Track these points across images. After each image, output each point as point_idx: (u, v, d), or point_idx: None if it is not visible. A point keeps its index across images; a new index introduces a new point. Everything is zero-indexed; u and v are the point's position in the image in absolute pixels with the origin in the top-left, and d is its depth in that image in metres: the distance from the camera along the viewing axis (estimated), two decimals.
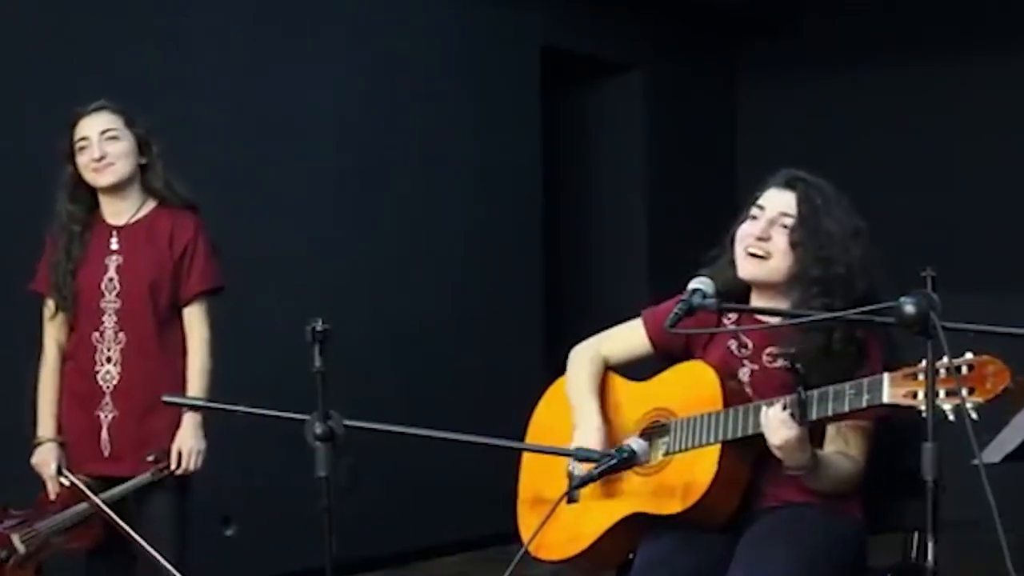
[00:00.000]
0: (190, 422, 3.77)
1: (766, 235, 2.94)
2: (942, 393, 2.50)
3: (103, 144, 3.74)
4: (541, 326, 7.06)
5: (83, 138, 3.76)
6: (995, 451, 2.78)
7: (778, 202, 2.96)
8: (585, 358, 3.19)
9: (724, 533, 2.90)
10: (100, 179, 3.77)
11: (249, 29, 5.77)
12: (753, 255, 2.96)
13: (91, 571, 3.86)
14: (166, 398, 3.11)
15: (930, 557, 2.40)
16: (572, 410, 3.13)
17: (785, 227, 2.94)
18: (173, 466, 3.74)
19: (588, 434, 3.04)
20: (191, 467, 3.75)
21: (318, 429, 2.62)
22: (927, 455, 2.36)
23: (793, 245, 2.92)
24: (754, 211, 2.99)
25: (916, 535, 2.96)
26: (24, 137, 4.96)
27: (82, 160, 3.76)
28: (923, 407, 2.52)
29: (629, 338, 3.18)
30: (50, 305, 3.81)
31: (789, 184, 2.98)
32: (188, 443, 3.76)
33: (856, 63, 7.80)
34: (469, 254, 6.69)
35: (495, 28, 6.86)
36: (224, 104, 5.51)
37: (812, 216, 2.92)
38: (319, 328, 2.65)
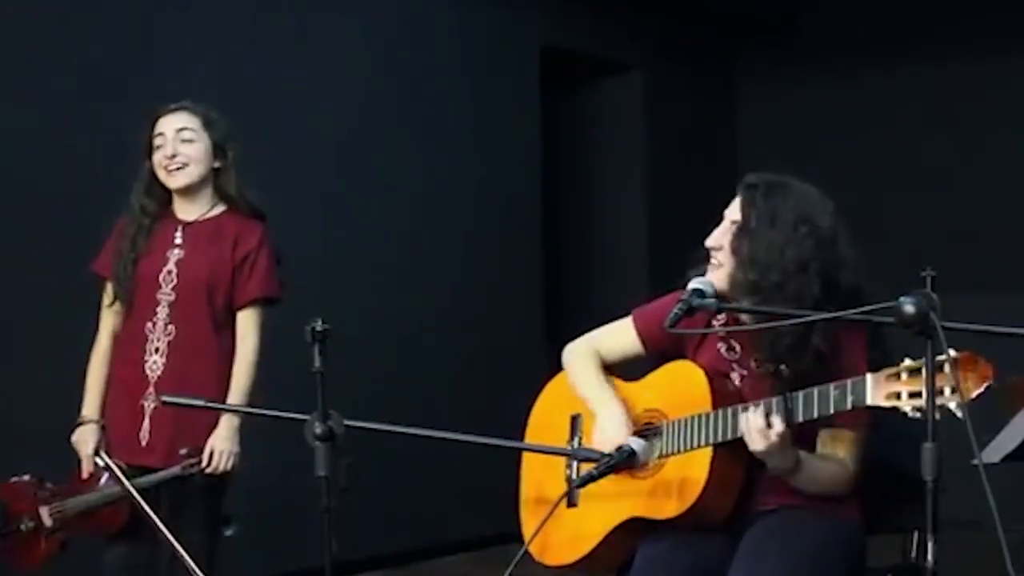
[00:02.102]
0: (226, 423, 3.75)
1: (717, 244, 2.96)
2: (924, 393, 2.49)
3: (176, 143, 3.75)
4: (541, 326, 7.06)
5: (159, 134, 3.78)
6: (995, 451, 2.78)
7: (731, 209, 2.98)
8: (584, 353, 3.20)
9: (723, 533, 2.91)
10: (171, 180, 3.78)
11: (248, 28, 5.77)
12: (712, 261, 2.98)
13: (107, 562, 3.82)
14: (165, 398, 3.11)
15: (930, 557, 2.39)
16: (586, 401, 3.12)
17: (731, 233, 2.95)
18: (204, 464, 3.72)
19: (613, 416, 3.02)
20: (221, 468, 3.73)
21: (318, 429, 2.62)
22: (927, 455, 2.36)
23: (731, 251, 2.93)
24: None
25: (916, 535, 2.96)
26: (25, 138, 4.97)
27: (156, 157, 3.78)
28: (906, 408, 2.55)
29: (621, 338, 3.18)
30: (109, 291, 3.83)
31: (743, 189, 2.97)
32: (221, 444, 3.74)
33: (856, 63, 7.80)
34: (469, 254, 6.69)
35: (495, 28, 6.87)
36: (223, 104, 5.46)
37: (748, 221, 2.91)
38: (319, 328, 2.65)
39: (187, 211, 3.84)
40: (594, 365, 3.17)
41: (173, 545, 3.51)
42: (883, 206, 7.35)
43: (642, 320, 3.13)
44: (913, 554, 2.98)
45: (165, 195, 3.83)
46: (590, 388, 3.13)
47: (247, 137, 5.60)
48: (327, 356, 2.66)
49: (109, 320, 3.85)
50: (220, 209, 3.86)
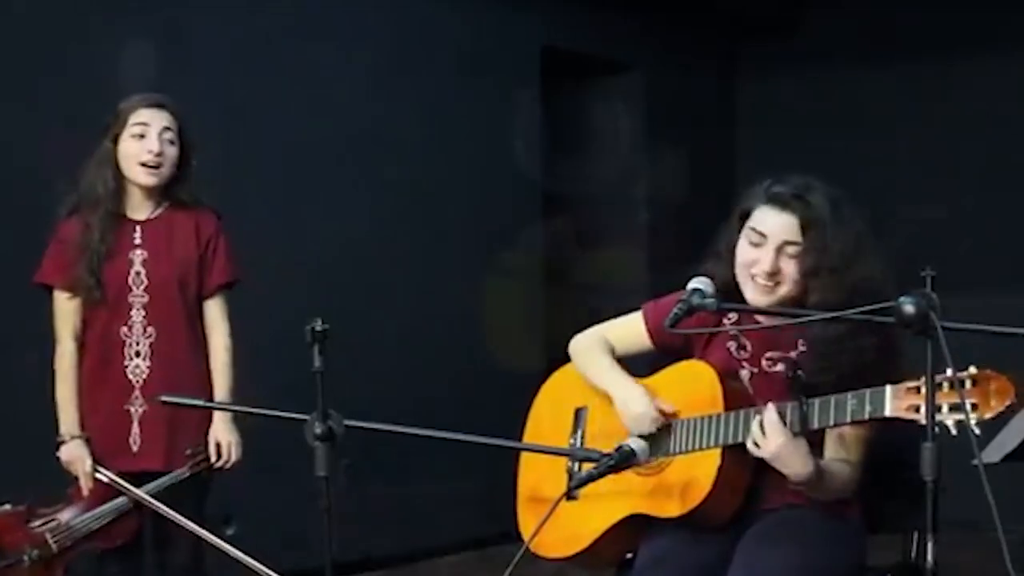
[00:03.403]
0: (222, 415, 3.73)
1: (775, 268, 2.86)
2: (945, 408, 2.47)
3: (163, 142, 3.69)
4: (541, 326, 7.06)
5: (143, 123, 3.68)
6: (995, 451, 2.79)
7: (779, 229, 2.86)
8: (594, 342, 3.17)
9: (725, 532, 2.90)
10: (143, 175, 3.69)
11: (249, 27, 5.77)
12: (764, 285, 2.89)
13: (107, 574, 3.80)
14: (164, 398, 3.10)
15: (930, 557, 2.40)
16: (603, 385, 3.09)
17: (792, 256, 2.85)
18: (212, 459, 3.72)
19: (636, 393, 3.00)
20: (232, 459, 3.74)
21: (318, 429, 2.62)
22: (927, 455, 2.36)
23: (805, 275, 2.85)
24: (755, 238, 2.89)
25: (916, 535, 2.96)
26: (25, 138, 4.96)
27: (131, 147, 3.68)
28: (925, 422, 2.51)
29: (630, 331, 3.15)
30: (60, 297, 3.71)
31: (787, 205, 2.86)
32: (225, 436, 3.73)
33: (856, 62, 7.80)
34: (469, 254, 6.68)
35: (495, 28, 6.87)
36: (224, 102, 5.51)
37: (819, 240, 2.83)
38: (319, 328, 2.65)
39: (140, 209, 3.76)
40: (606, 352, 3.14)
41: (190, 543, 3.54)
42: (883, 206, 7.32)
43: (652, 315, 3.10)
44: (913, 554, 2.98)
45: (120, 180, 3.72)
46: (605, 372, 3.11)
47: (248, 136, 5.64)
48: (327, 356, 2.66)
49: (69, 325, 3.72)
50: (166, 204, 3.78)
